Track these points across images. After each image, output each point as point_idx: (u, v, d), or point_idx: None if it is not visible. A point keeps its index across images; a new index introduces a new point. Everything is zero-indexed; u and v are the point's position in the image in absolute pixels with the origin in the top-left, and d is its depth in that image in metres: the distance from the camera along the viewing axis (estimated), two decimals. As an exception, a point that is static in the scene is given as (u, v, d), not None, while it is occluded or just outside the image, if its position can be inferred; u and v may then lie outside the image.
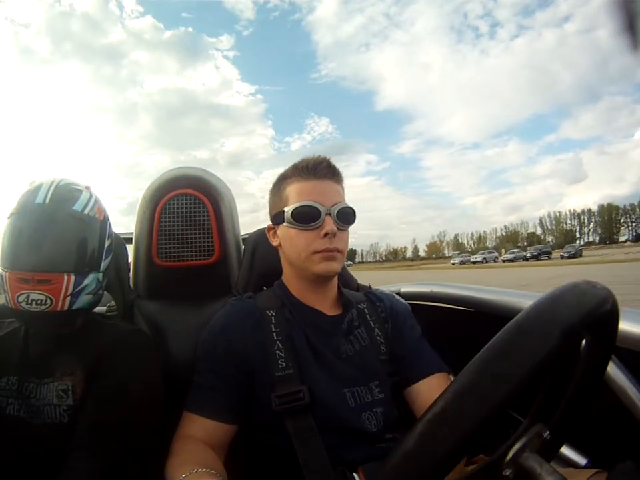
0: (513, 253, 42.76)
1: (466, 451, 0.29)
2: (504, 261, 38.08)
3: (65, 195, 0.67)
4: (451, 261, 47.31)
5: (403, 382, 0.72)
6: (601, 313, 0.32)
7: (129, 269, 0.94)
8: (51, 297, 0.63)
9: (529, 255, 38.69)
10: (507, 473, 0.34)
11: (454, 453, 0.29)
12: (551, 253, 39.02)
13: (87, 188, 0.72)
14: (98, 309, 0.80)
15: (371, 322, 0.75)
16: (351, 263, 76.48)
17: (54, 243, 0.64)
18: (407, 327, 0.77)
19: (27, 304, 0.62)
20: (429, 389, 0.69)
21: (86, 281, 0.67)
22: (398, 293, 1.00)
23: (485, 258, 41.76)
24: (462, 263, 42.59)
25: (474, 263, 40.43)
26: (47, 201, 0.65)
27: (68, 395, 0.64)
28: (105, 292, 0.78)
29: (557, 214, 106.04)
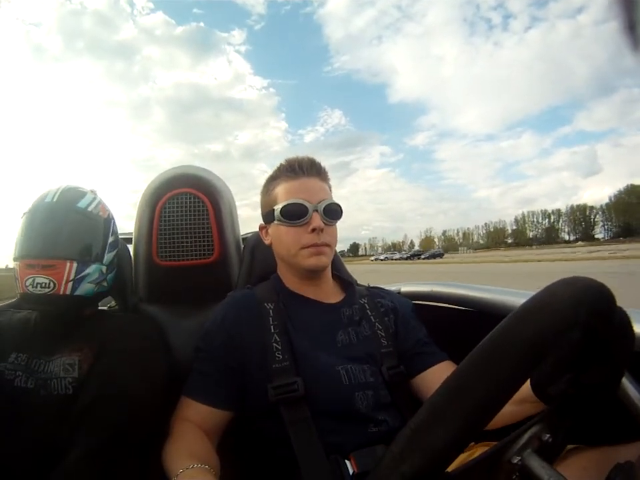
0: (396, 254, 66.77)
1: (466, 442, 0.30)
2: (392, 259, 62.61)
3: (70, 195, 0.76)
4: (370, 258, 73.16)
5: (409, 372, 0.74)
6: (598, 308, 0.32)
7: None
8: (54, 280, 0.69)
9: (405, 256, 61.80)
10: (516, 461, 0.34)
11: (454, 443, 0.29)
12: (420, 255, 59.88)
13: (92, 191, 0.80)
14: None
15: (371, 316, 0.77)
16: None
17: (58, 233, 0.71)
18: (412, 321, 0.80)
19: (32, 287, 0.69)
20: (438, 377, 0.72)
21: (88, 270, 0.73)
22: (398, 292, 1.02)
23: (386, 257, 67.70)
24: (376, 259, 67.92)
25: (380, 260, 65.34)
26: (55, 199, 0.74)
27: (74, 369, 0.68)
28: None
29: (530, 214, 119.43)
